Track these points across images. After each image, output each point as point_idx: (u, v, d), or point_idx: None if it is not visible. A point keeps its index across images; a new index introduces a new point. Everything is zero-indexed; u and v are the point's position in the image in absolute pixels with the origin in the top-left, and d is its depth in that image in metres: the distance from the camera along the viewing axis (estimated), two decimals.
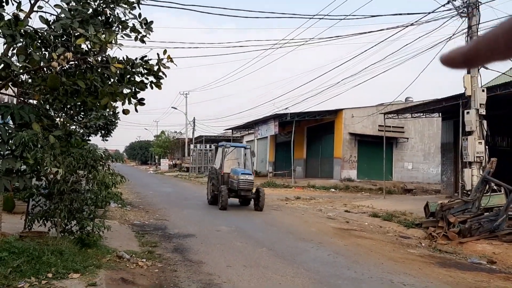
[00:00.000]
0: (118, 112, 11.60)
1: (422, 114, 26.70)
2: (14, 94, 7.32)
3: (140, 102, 7.11)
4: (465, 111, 14.62)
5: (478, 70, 14.17)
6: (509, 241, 10.61)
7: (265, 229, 12.11)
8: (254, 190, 16.87)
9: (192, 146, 52.45)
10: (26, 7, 6.07)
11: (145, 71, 6.98)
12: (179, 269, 7.60)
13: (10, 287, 5.36)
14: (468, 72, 14.25)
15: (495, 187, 12.51)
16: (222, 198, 16.05)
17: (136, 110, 7.18)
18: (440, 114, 25.85)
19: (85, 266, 6.53)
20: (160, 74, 6.96)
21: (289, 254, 9.18)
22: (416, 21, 16.40)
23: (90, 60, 6.49)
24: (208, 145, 51.24)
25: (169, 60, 6.81)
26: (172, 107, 60.91)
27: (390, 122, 28.82)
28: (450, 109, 21.63)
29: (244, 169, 17.42)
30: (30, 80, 7.24)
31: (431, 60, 48.93)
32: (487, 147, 14.72)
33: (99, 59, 6.38)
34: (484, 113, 14.23)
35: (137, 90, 7.03)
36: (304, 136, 37.51)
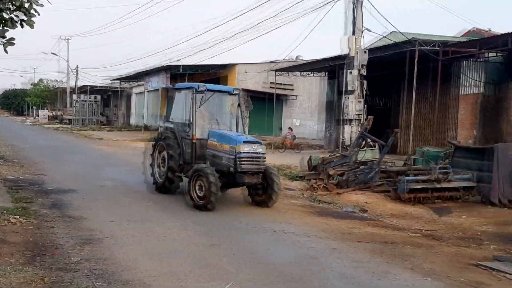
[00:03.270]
0: None
1: (310, 72, 27.81)
2: None
3: (10, 41, 6.34)
4: (348, 71, 15.43)
5: (362, 32, 14.94)
6: (380, 191, 11.71)
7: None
8: None
9: (75, 97, 48.98)
10: None
11: (14, 7, 6.25)
12: (57, 225, 7.18)
13: None
14: (353, 33, 14.96)
15: (371, 143, 13.57)
16: (210, 188, 8.67)
17: (6, 51, 6.42)
18: (327, 73, 27.13)
19: None
20: (32, 11, 6.28)
21: (177, 207, 9.12)
22: None
23: None
24: (93, 96, 48.29)
25: None
26: (52, 53, 55.83)
27: (281, 79, 29.54)
28: (335, 68, 22.70)
29: (240, 134, 10.34)
30: None
31: (321, 19, 50.59)
32: (365, 105, 15.81)
33: None
34: (365, 73, 15.16)
35: (5, 28, 6.27)
36: None
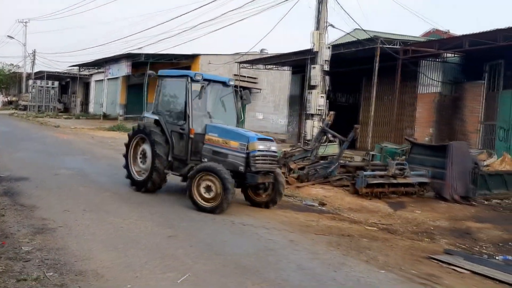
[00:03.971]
0: None
1: (274, 66, 27.92)
2: None
3: None
4: (312, 66, 15.57)
5: (326, 28, 15.07)
6: (339, 185, 11.91)
7: (111, 173, 11.58)
8: None
9: (31, 82, 47.19)
10: None
11: None
12: (8, 214, 6.91)
13: None
14: (317, 29, 15.07)
15: (331, 138, 13.77)
16: (226, 194, 7.95)
17: None
18: (291, 68, 27.31)
19: None
20: None
21: (135, 198, 8.93)
22: None
23: None
24: (50, 82, 46.66)
25: None
26: (8, 36, 53.52)
27: (245, 72, 29.53)
28: (299, 63, 22.87)
29: (246, 130, 9.70)
30: None
31: (285, 13, 50.74)
32: (327, 101, 16.02)
33: None
34: (327, 69, 15.32)
35: None
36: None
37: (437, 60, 18.90)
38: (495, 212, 10.93)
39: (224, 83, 9.98)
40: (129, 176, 9.77)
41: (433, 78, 18.81)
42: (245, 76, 30.70)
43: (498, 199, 12.15)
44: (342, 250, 6.61)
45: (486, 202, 11.81)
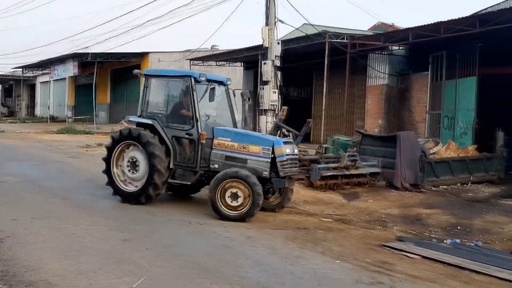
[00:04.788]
0: None
1: (226, 62, 27.85)
2: None
3: None
4: (263, 62, 15.64)
5: (275, 23, 15.17)
6: (295, 179, 12.02)
7: (60, 178, 11.21)
8: None
9: None
10: None
11: None
12: None
13: None
14: (267, 24, 15.14)
15: (286, 133, 13.90)
16: (256, 200, 7.69)
17: None
18: (243, 63, 27.34)
19: None
20: None
21: (86, 203, 8.69)
22: None
23: None
24: None
25: None
26: None
27: (197, 69, 29.22)
28: (251, 59, 22.95)
29: (263, 134, 9.48)
30: None
31: (235, 8, 50.64)
32: (280, 96, 16.14)
33: None
34: (279, 64, 15.43)
35: None
36: (108, 79, 35.60)
37: (384, 53, 19.46)
38: (443, 198, 11.41)
39: (221, 83, 9.46)
40: (112, 184, 8.81)
41: (381, 71, 19.36)
42: None
43: (445, 185, 12.70)
44: (298, 243, 6.71)
45: (434, 189, 12.30)
